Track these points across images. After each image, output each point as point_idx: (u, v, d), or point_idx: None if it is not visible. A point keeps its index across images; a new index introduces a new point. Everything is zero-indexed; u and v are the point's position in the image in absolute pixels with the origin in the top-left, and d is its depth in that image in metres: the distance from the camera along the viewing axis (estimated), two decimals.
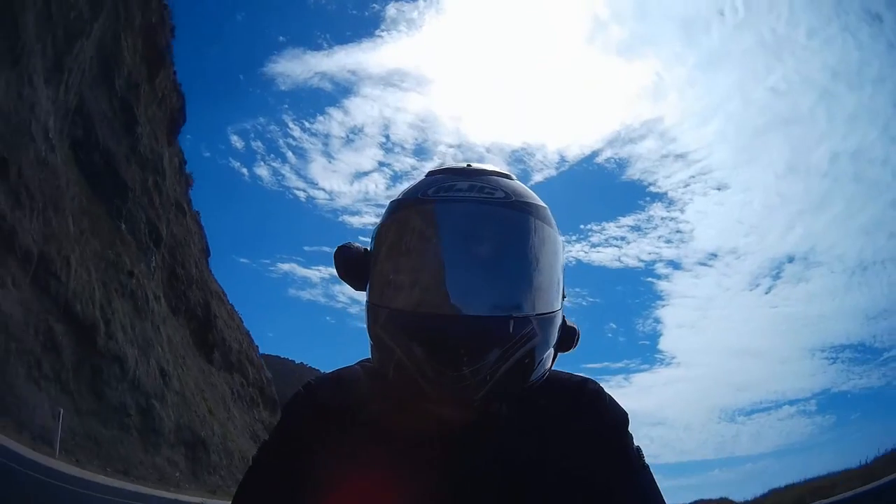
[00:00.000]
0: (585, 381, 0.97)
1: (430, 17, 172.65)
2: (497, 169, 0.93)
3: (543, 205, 0.91)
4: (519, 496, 0.84)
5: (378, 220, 0.95)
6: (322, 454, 0.89)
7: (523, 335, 0.82)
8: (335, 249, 0.95)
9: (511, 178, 0.92)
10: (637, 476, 0.91)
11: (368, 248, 0.95)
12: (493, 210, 0.85)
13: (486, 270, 0.83)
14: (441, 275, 0.82)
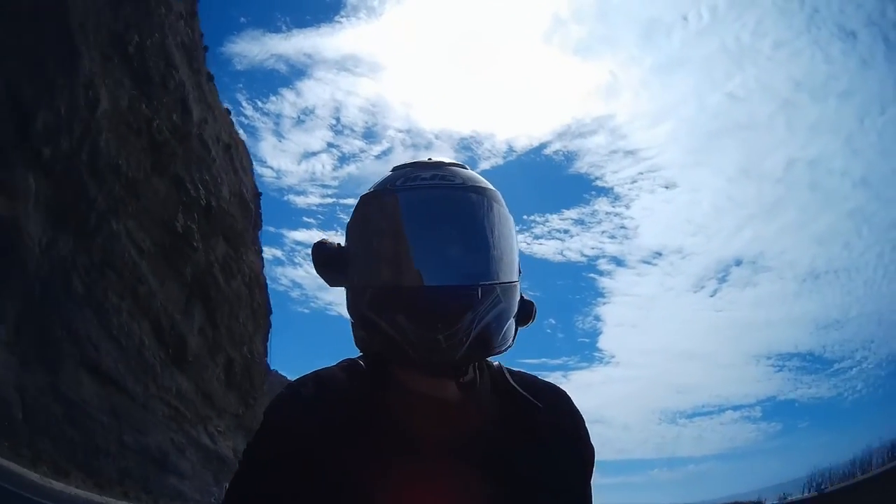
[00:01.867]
0: (560, 393, 1.08)
1: (390, 5, 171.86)
2: (453, 161, 1.03)
3: (495, 189, 1.02)
4: (491, 474, 0.90)
5: (349, 215, 1.03)
6: (309, 448, 0.92)
7: (490, 301, 0.91)
8: (313, 245, 1.02)
9: (465, 168, 1.03)
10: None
11: (342, 244, 1.03)
12: (454, 193, 0.96)
13: (453, 245, 0.92)
14: (416, 252, 0.91)
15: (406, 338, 0.89)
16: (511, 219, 1.02)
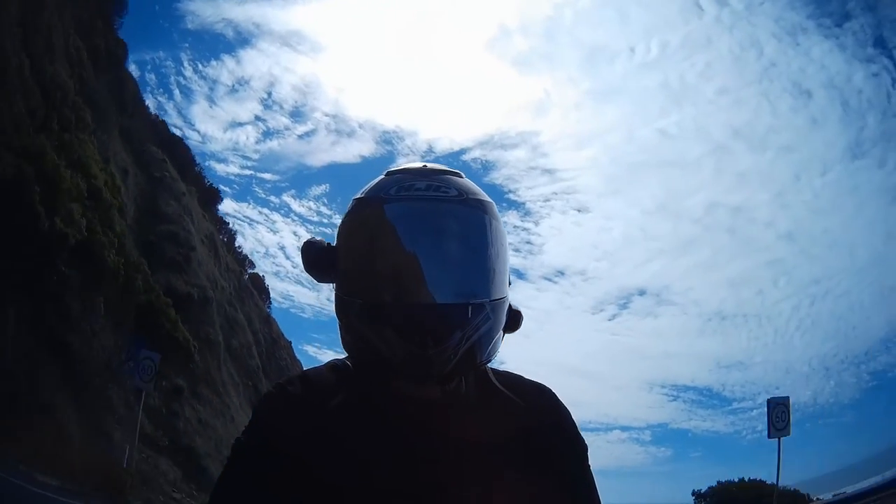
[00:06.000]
0: (545, 390, 1.07)
1: None
2: (449, 168, 1.01)
3: (491, 200, 0.99)
4: (472, 471, 0.92)
5: (342, 216, 1.01)
6: (295, 446, 0.93)
7: (480, 319, 0.91)
8: (302, 244, 1.02)
9: (461, 177, 0.99)
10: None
11: (331, 244, 1.02)
12: (449, 207, 0.92)
13: (446, 263, 0.90)
14: (407, 268, 0.89)
15: (394, 352, 0.90)
16: (504, 232, 1.00)
